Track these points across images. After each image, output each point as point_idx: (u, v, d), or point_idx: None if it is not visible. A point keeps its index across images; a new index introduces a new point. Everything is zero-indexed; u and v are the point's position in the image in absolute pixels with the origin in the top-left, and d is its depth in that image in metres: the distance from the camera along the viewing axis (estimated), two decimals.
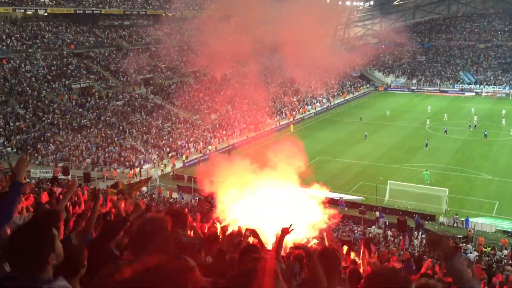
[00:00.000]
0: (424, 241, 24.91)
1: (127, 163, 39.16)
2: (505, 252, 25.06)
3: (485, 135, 48.24)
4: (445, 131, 50.66)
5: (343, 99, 73.46)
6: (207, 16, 59.15)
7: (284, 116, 58.98)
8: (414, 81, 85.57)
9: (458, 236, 27.57)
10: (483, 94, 76.51)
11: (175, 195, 33.83)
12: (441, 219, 30.33)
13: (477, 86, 79.72)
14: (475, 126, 52.60)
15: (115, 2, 63.78)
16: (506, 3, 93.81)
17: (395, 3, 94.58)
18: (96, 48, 58.37)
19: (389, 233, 26.45)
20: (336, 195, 32.49)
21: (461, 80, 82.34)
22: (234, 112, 54.73)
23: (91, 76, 52.89)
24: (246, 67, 54.05)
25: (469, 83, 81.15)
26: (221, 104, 53.96)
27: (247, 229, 6.32)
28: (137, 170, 38.29)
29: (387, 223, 29.02)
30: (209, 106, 54.16)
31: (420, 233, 27.08)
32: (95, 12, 60.15)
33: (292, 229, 4.97)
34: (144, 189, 31.28)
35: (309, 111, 64.00)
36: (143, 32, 66.48)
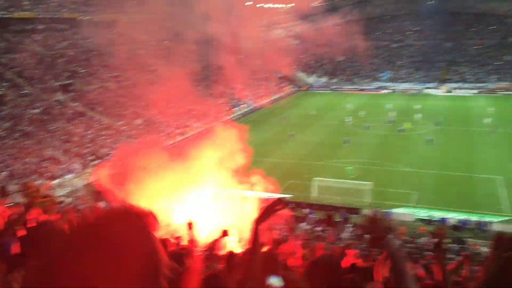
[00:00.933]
0: (352, 233, 25.95)
1: (47, 174, 37.18)
2: (423, 239, 26.72)
3: (401, 130, 51.18)
4: (366, 128, 53.15)
5: (268, 100, 74.60)
6: (126, 19, 57.60)
7: (210, 119, 58.78)
8: (335, 80, 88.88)
9: (382, 226, 28.96)
10: (397, 91, 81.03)
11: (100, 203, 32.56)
12: (365, 211, 31.71)
13: (393, 84, 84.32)
14: (393, 121, 55.64)
15: (27, 6, 60.32)
16: (415, 4, 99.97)
17: (313, 4, 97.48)
18: (8, 54, 54.88)
19: (318, 228, 27.22)
20: (266, 195, 32.87)
21: (379, 79, 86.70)
22: (160, 116, 53.68)
23: (4, 84, 49.67)
24: (171, 70, 53.33)
25: (386, 81, 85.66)
26: (146, 109, 52.78)
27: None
28: (57, 181, 36.45)
29: (316, 219, 29.88)
30: (134, 111, 52.81)
31: (347, 226, 28.16)
32: (5, 16, 56.48)
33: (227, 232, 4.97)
34: (69, 199, 29.92)
35: (235, 112, 64.35)
36: (59, 36, 63.43)
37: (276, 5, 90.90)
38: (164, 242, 6.20)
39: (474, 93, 76.03)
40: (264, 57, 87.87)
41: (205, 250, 5.88)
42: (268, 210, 2.94)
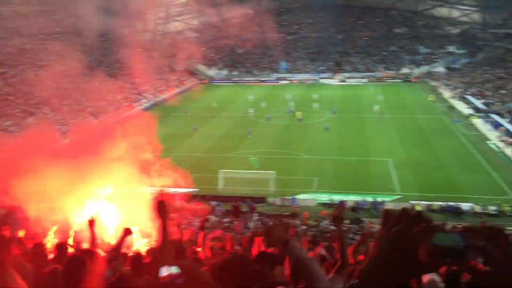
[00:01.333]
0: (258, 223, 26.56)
1: None
2: (325, 222, 28.13)
3: (300, 119, 53.26)
4: (267, 118, 54.47)
5: (169, 94, 73.37)
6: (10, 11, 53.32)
7: (109, 115, 56.45)
8: (236, 72, 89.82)
9: (286, 213, 30.04)
10: (295, 81, 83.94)
11: None
12: (270, 200, 32.62)
13: (290, 74, 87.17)
14: (292, 111, 57.62)
15: None
16: None
17: None
18: None
19: (225, 219, 27.48)
20: (172, 190, 32.43)
21: (278, 70, 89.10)
22: (53, 114, 50.50)
23: None
24: (64, 65, 50.32)
25: (284, 72, 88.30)
26: (37, 107, 49.36)
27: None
28: None
29: (223, 211, 30.12)
30: (24, 110, 49.10)
31: (253, 216, 28.77)
32: None
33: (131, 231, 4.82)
34: None
35: (135, 108, 62.44)
36: None
37: None
38: (61, 246, 5.86)
39: (365, 82, 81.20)
40: (163, 51, 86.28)
41: (109, 251, 5.68)
42: (162, 205, 2.92)
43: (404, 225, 1.14)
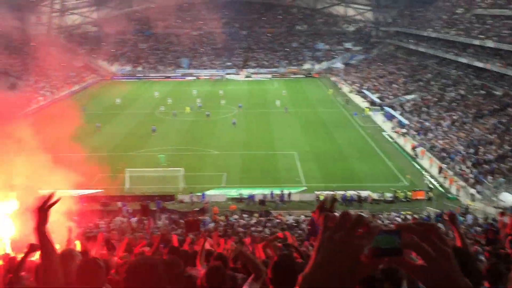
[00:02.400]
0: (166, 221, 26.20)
1: None
2: (236, 216, 28.51)
3: (207, 115, 53.27)
4: (174, 115, 53.72)
5: (68, 91, 69.50)
6: None
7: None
8: (140, 68, 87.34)
9: (196, 209, 29.98)
10: (201, 77, 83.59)
11: None
12: (179, 197, 32.30)
13: (196, 70, 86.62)
14: (199, 107, 57.42)
15: None
16: None
17: None
18: None
19: (134, 219, 26.73)
20: (73, 192, 30.89)
21: (182, 66, 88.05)
22: None
23: None
24: None
25: (188, 68, 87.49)
26: None
27: None
28: None
29: (130, 211, 29.27)
30: None
31: (163, 215, 28.31)
32: None
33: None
34: None
35: (30, 106, 58.28)
36: None
37: None
38: None
39: (269, 78, 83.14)
40: (60, 45, 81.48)
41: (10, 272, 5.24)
42: (41, 211, 2.70)
43: (347, 230, 1.15)
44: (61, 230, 9.29)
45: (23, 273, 5.28)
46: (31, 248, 5.28)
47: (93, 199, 31.53)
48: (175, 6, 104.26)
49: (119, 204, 30.24)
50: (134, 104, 61.86)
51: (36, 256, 6.75)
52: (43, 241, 2.65)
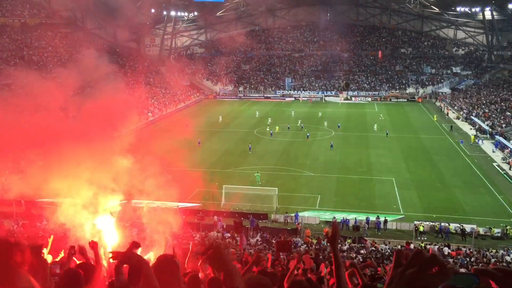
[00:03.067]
0: (259, 238, 26.40)
1: None
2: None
3: (308, 136, 53.33)
4: (272, 134, 54.58)
5: (174, 108, 73.71)
6: None
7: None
8: (241, 88, 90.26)
9: (288, 229, 29.89)
10: (301, 99, 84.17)
11: None
12: (273, 216, 32.46)
13: (295, 92, 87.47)
14: (302, 127, 57.83)
15: None
16: (313, 15, 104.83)
17: (218, 14, 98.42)
18: None
19: (227, 235, 27.34)
20: (173, 204, 32.43)
21: (282, 87, 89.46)
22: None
23: None
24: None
25: (290, 88, 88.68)
26: None
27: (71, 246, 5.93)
28: None
29: (224, 226, 29.98)
30: None
31: (257, 232, 28.61)
32: None
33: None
34: None
35: (141, 121, 62.59)
36: None
37: (180, 13, 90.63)
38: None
39: (369, 101, 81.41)
40: (170, 65, 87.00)
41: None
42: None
43: (419, 268, 1.15)
44: (160, 239, 9.75)
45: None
46: (134, 246, 5.68)
47: (190, 212, 32.79)
48: (278, 28, 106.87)
49: (215, 218, 31.10)
50: (233, 122, 63.86)
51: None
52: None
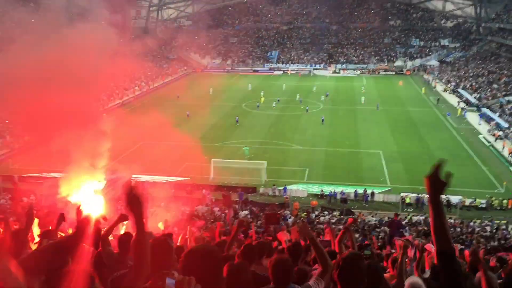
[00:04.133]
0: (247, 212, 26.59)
1: None
2: (316, 212, 28.26)
3: (307, 110, 53.50)
4: (259, 107, 54.54)
5: (162, 82, 72.96)
6: None
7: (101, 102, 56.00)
8: (229, 62, 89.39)
9: (277, 203, 30.13)
10: (289, 72, 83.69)
11: None
12: (261, 190, 32.66)
13: (284, 65, 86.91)
14: (300, 101, 57.81)
15: None
16: None
17: None
18: None
19: (216, 208, 27.48)
20: (161, 178, 32.55)
21: (270, 60, 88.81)
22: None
23: None
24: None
25: (276, 62, 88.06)
26: None
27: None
28: None
29: (213, 200, 30.13)
30: None
31: (246, 206, 28.81)
32: None
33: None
34: None
35: (128, 95, 62.01)
36: None
37: None
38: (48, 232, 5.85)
39: (357, 74, 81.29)
40: (156, 38, 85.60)
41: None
42: (134, 199, 2.72)
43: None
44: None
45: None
46: (121, 218, 5.71)
47: (179, 186, 32.85)
48: (266, 1, 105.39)
49: (204, 191, 31.20)
50: (221, 96, 63.47)
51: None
52: (138, 230, 2.74)
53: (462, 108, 53.28)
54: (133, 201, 2.66)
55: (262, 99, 57.78)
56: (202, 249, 2.48)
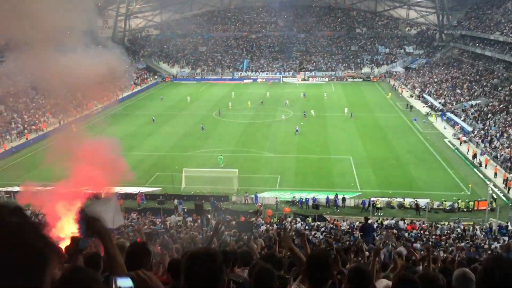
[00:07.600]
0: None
1: None
2: (289, 219, 28.44)
3: (304, 114, 54.21)
4: (221, 116, 54.45)
5: (131, 92, 72.11)
6: None
7: (69, 113, 54.88)
8: (198, 70, 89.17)
9: (250, 211, 30.16)
10: (259, 80, 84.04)
11: None
12: (233, 198, 32.64)
13: (253, 73, 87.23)
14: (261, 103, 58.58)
15: None
16: None
17: None
18: None
19: (189, 219, 27.29)
20: (133, 189, 32.19)
21: (239, 69, 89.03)
22: (8, 112, 49.09)
23: None
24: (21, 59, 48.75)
25: (246, 70, 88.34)
26: None
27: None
28: None
29: (185, 210, 29.92)
30: None
31: (217, 214, 28.71)
32: None
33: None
34: None
35: (96, 106, 60.90)
36: None
37: None
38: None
39: (326, 81, 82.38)
40: (125, 48, 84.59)
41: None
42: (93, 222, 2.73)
43: None
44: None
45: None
46: (74, 241, 5.59)
47: (151, 196, 32.53)
48: (234, 10, 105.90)
49: (175, 202, 30.96)
50: (192, 105, 63.24)
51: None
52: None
53: (427, 113, 54.65)
54: (94, 231, 2.70)
55: (249, 103, 59.88)
56: (204, 252, 2.53)
